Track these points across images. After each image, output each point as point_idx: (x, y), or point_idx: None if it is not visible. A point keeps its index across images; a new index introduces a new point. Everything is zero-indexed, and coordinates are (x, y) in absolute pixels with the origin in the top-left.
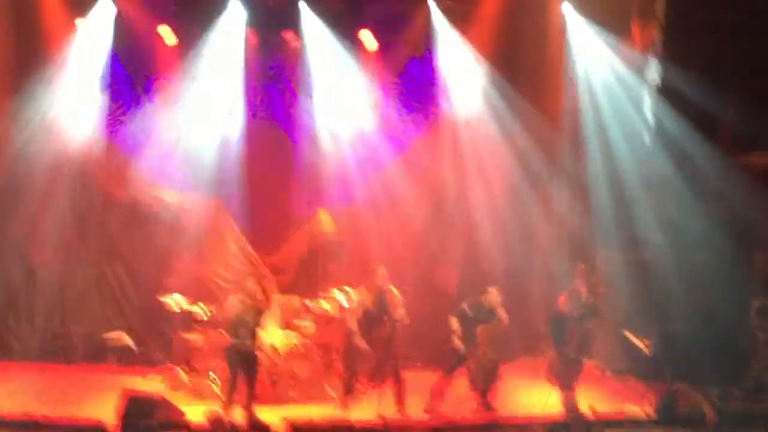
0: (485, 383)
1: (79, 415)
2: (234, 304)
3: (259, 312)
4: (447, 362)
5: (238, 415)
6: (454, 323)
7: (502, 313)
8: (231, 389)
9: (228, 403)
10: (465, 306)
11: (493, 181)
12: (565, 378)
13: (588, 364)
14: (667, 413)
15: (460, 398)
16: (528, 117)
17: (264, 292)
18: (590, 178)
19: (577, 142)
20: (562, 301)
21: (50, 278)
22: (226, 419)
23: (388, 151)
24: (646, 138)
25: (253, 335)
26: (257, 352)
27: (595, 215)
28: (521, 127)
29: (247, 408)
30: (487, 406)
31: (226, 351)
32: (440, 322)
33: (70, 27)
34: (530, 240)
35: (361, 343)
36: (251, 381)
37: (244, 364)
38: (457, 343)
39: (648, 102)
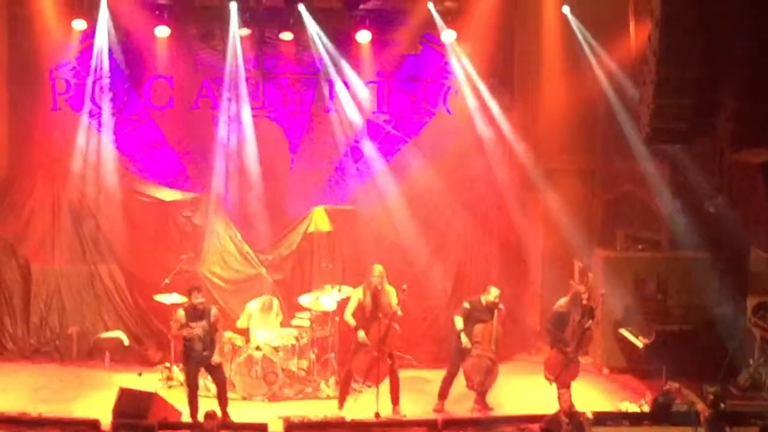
0: (482, 382)
1: (75, 413)
2: (181, 317)
3: (210, 323)
4: (448, 361)
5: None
6: (460, 322)
7: (501, 313)
8: (193, 393)
9: (193, 406)
10: (466, 304)
11: (489, 180)
12: (563, 376)
13: (585, 362)
14: (663, 411)
15: (456, 396)
16: (524, 116)
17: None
18: (586, 177)
19: (572, 141)
20: (566, 302)
21: (45, 278)
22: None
23: (384, 148)
24: (641, 135)
25: (212, 345)
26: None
27: (593, 214)
28: (517, 126)
29: (222, 410)
30: (484, 405)
31: (184, 360)
32: (436, 320)
33: (67, 28)
34: (526, 238)
35: (361, 336)
36: (220, 386)
37: (210, 372)
38: (465, 341)
39: (644, 99)
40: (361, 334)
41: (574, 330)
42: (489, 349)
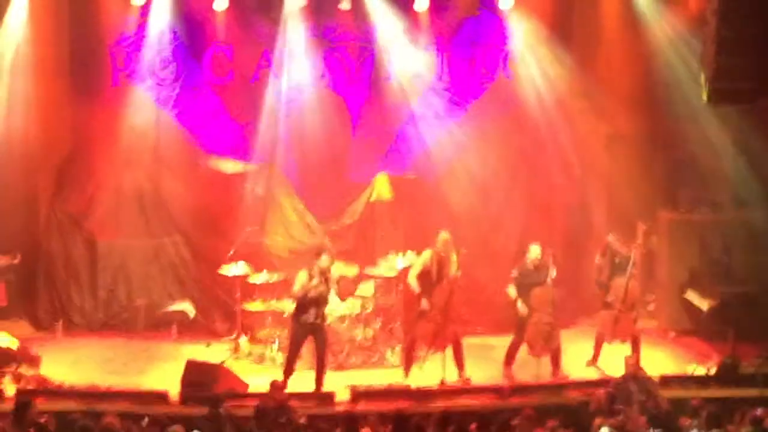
0: (543, 347)
1: (144, 385)
2: (303, 279)
3: (329, 287)
4: (511, 328)
5: (299, 384)
6: (513, 291)
7: (552, 272)
8: (293, 360)
9: (288, 373)
10: (514, 272)
11: (552, 143)
12: (616, 332)
13: (651, 325)
14: (730, 373)
15: (520, 363)
16: (584, 79)
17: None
18: (648, 139)
19: (634, 103)
20: (599, 255)
21: (111, 252)
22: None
23: (445, 115)
24: (704, 97)
25: (323, 310)
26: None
27: (656, 176)
28: (578, 90)
29: (319, 378)
30: (559, 372)
31: (293, 325)
32: (500, 287)
33: (126, 2)
34: (589, 201)
35: (424, 303)
36: (322, 353)
37: (314, 338)
38: (522, 308)
39: (705, 59)
40: (424, 302)
41: (618, 283)
42: (546, 313)
